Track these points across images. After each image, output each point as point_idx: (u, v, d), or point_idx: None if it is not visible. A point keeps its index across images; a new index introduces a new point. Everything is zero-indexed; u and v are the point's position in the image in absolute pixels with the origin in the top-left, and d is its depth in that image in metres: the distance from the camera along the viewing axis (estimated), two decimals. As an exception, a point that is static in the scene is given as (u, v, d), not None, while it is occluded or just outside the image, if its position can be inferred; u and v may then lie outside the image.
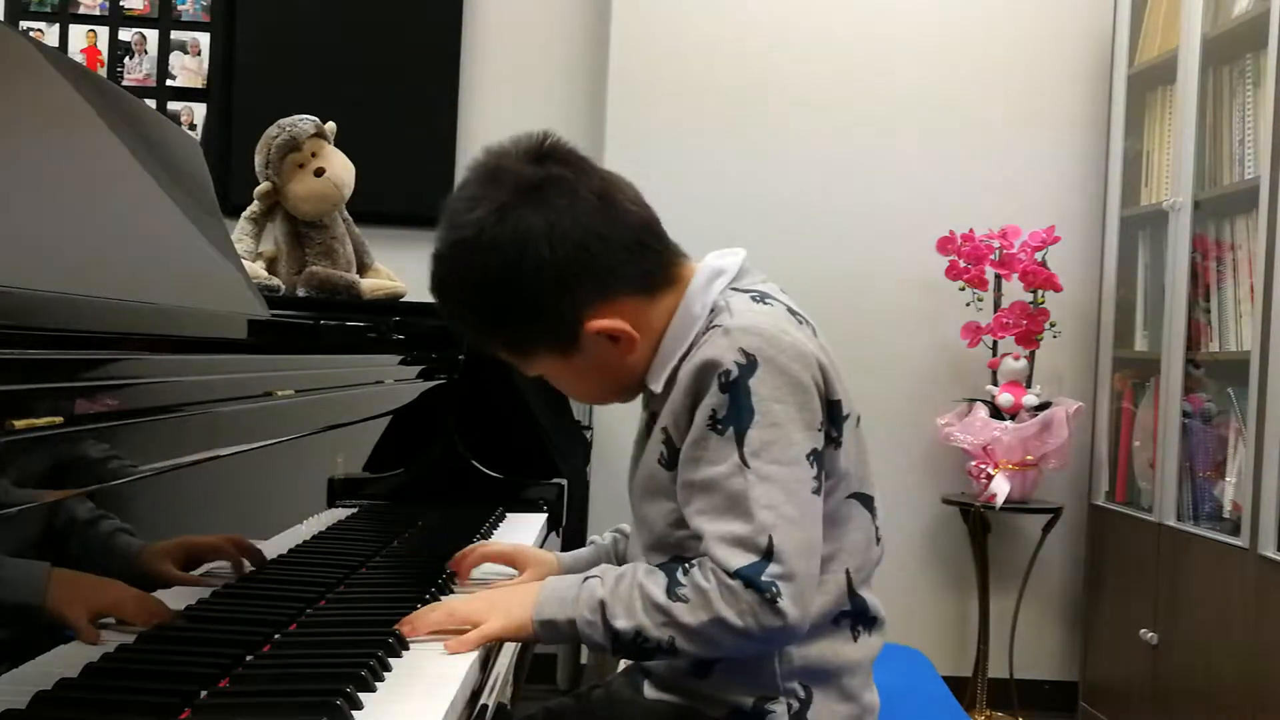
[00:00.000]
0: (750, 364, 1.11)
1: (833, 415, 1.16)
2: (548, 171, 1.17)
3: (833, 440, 1.16)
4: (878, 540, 1.23)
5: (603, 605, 1.11)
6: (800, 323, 1.18)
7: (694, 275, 1.22)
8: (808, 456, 1.12)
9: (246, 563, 1.17)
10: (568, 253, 1.15)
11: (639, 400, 1.27)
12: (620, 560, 1.37)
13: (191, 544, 1.06)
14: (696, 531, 1.12)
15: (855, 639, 1.19)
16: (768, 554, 1.08)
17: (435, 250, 1.20)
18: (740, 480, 1.09)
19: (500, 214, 1.15)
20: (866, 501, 1.21)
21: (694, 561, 1.11)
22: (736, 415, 1.10)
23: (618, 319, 1.17)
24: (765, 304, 1.18)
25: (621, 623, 1.11)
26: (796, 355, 1.12)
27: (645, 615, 1.10)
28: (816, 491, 1.12)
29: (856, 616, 1.20)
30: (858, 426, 1.20)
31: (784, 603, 1.07)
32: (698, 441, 1.12)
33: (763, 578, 1.07)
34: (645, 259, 1.20)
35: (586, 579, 1.15)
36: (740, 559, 1.08)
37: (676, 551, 1.17)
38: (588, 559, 1.39)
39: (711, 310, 1.18)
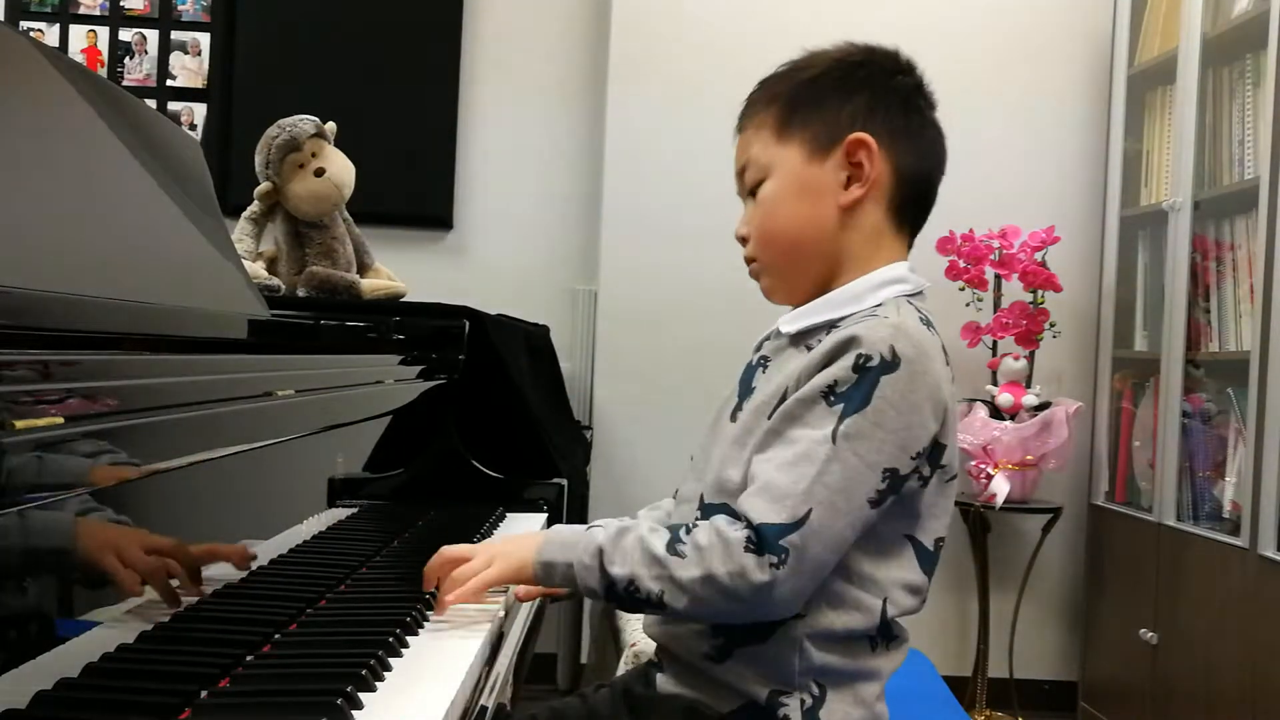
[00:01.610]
0: (893, 361, 1.12)
1: (934, 456, 1.16)
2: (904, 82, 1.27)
3: (922, 479, 1.16)
4: (924, 599, 1.21)
5: (601, 551, 1.14)
6: (947, 363, 1.19)
7: (888, 265, 1.25)
8: (885, 470, 1.12)
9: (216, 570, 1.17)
10: (891, 99, 1.24)
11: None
12: None
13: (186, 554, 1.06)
14: (751, 474, 1.13)
15: (874, 650, 1.19)
16: (798, 522, 1.09)
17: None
18: (823, 450, 1.10)
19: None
20: (921, 551, 1.19)
21: (700, 522, 1.13)
22: (853, 396, 1.11)
23: (875, 157, 1.22)
24: (930, 331, 1.20)
25: (617, 569, 1.13)
26: (933, 384, 1.14)
27: (642, 566, 1.12)
28: (873, 504, 1.12)
29: (881, 635, 1.19)
30: (948, 483, 1.20)
31: (783, 570, 1.08)
32: (804, 400, 1.14)
33: (780, 540, 1.08)
34: (919, 181, 1.27)
35: (590, 527, 1.18)
36: (770, 514, 1.09)
37: (733, 500, 1.17)
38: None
39: (878, 305, 1.20)
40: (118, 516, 0.91)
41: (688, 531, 1.13)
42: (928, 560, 1.20)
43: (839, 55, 1.27)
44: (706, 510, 1.20)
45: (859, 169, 1.22)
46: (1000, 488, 3.08)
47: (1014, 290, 3.23)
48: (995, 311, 3.24)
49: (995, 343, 3.26)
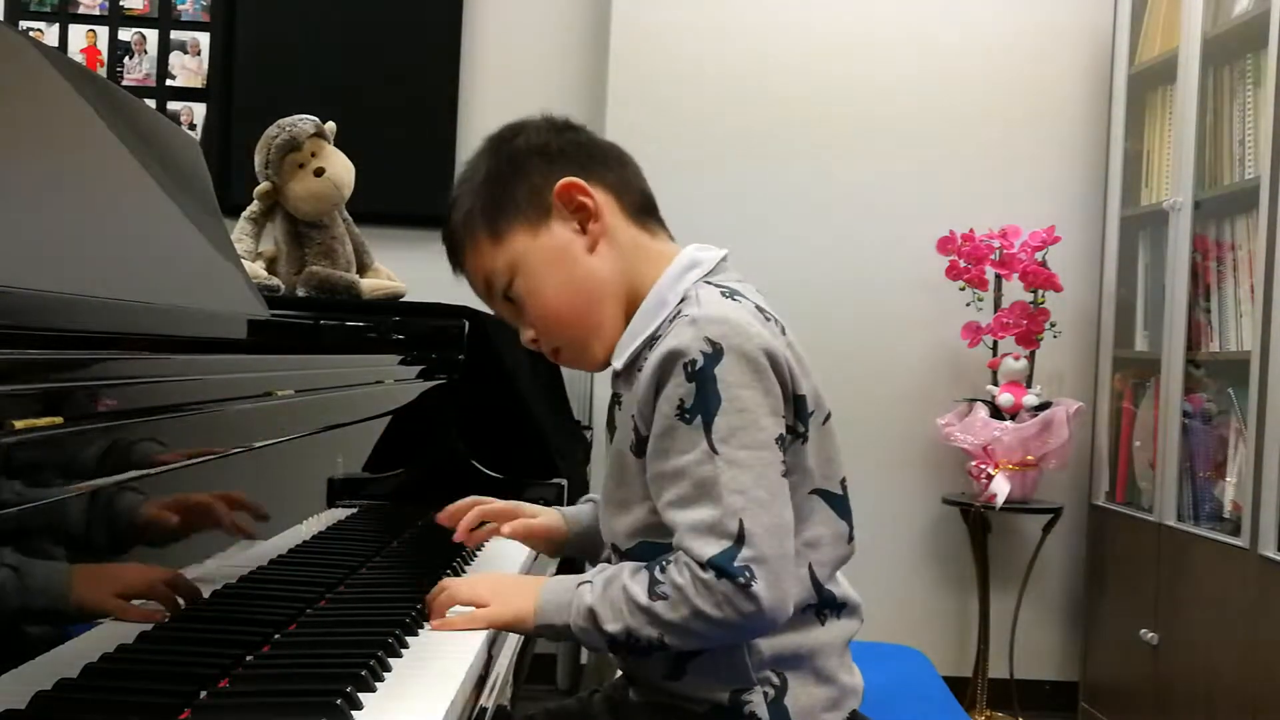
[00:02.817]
0: (716, 352, 1.12)
1: (798, 410, 1.17)
2: (564, 136, 1.27)
3: (798, 435, 1.17)
4: (850, 538, 1.23)
5: (592, 613, 1.13)
6: (767, 319, 1.19)
7: (674, 259, 1.24)
8: (776, 440, 1.13)
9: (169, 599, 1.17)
10: (554, 139, 1.25)
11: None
12: None
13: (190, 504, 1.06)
14: (669, 523, 1.13)
15: (823, 623, 1.20)
16: (739, 539, 1.09)
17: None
18: (709, 467, 1.10)
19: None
20: (832, 499, 1.21)
21: (671, 557, 1.12)
22: (704, 403, 1.11)
23: (588, 195, 1.22)
24: (734, 300, 1.18)
25: (611, 627, 1.12)
26: (761, 345, 1.13)
27: (631, 617, 1.12)
28: (786, 476, 1.13)
29: (823, 605, 1.20)
30: (825, 424, 1.21)
31: (757, 586, 1.08)
32: (666, 432, 1.13)
33: (735, 564, 1.08)
34: (632, 182, 1.27)
35: (580, 584, 1.16)
36: (712, 547, 1.09)
37: (644, 536, 1.19)
38: (590, 513, 1.41)
39: (681, 300, 1.20)
40: (118, 517, 0.91)
41: (661, 570, 1.12)
42: (840, 504, 1.22)
43: (491, 146, 1.28)
44: (628, 557, 1.20)
45: (583, 210, 1.22)
46: (1000, 488, 3.08)
47: (1014, 290, 3.23)
48: (995, 311, 3.24)
49: (995, 343, 3.25)
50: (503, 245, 1.23)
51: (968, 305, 3.24)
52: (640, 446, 1.17)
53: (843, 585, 1.23)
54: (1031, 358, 3.25)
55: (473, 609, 1.18)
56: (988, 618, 3.27)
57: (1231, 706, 2.54)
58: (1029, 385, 3.22)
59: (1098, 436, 3.29)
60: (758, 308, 1.19)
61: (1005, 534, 3.36)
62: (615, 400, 1.27)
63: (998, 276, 3.24)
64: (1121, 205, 3.26)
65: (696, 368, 1.11)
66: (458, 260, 1.28)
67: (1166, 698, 2.85)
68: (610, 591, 1.14)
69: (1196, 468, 2.85)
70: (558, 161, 1.23)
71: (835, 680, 1.20)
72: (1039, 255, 3.21)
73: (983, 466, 3.13)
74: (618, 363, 1.23)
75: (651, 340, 1.19)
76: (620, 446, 1.20)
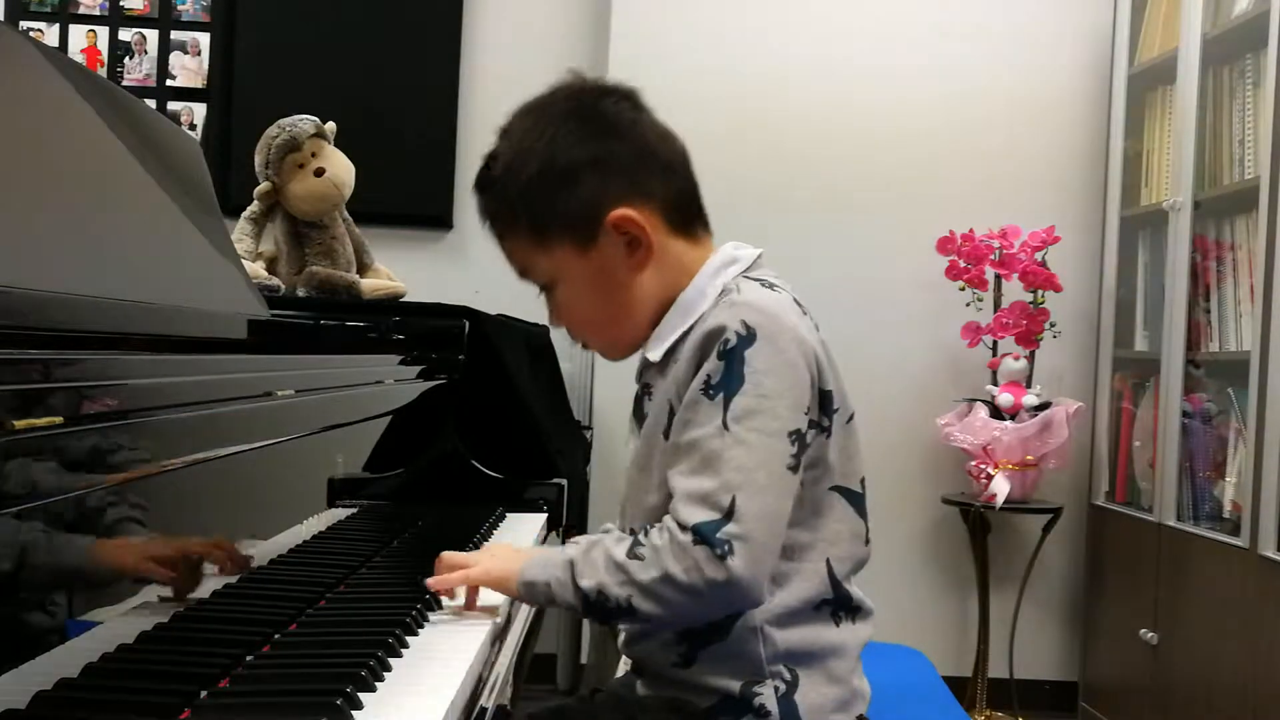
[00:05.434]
0: (749, 335, 1.14)
1: (824, 404, 1.19)
2: (603, 100, 1.25)
3: (822, 429, 1.19)
4: (866, 540, 1.25)
5: (571, 564, 1.16)
6: (803, 313, 1.22)
7: (711, 256, 1.25)
8: (789, 434, 1.14)
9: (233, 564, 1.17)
10: (610, 143, 1.22)
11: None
12: None
13: (183, 550, 1.06)
14: (671, 490, 1.15)
15: (838, 624, 1.21)
16: (728, 513, 1.10)
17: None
18: (719, 441, 1.12)
19: (553, 108, 1.24)
20: (851, 497, 1.23)
21: (657, 524, 1.14)
22: (728, 381, 1.13)
23: (641, 221, 1.21)
24: (774, 291, 1.21)
25: (586, 581, 1.15)
26: (795, 338, 1.16)
27: (606, 574, 1.14)
28: (793, 470, 1.15)
29: (839, 604, 1.21)
30: (848, 423, 1.23)
31: (734, 560, 1.09)
32: (690, 405, 1.16)
33: (717, 534, 1.10)
34: (681, 192, 1.26)
35: (568, 544, 1.20)
36: (700, 514, 1.11)
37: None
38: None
39: (721, 292, 1.21)
40: (118, 516, 0.91)
41: (644, 534, 1.14)
42: (858, 501, 1.23)
43: (536, 131, 1.23)
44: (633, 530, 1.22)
45: (633, 237, 1.22)
46: (1000, 488, 3.08)
47: (1014, 290, 3.23)
48: (995, 311, 3.24)
49: (995, 343, 3.26)
50: (547, 253, 1.24)
51: (967, 305, 3.24)
52: (671, 427, 1.19)
53: (859, 591, 1.24)
54: (1031, 358, 3.25)
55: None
56: (987, 618, 3.27)
57: (1231, 706, 2.54)
58: (1029, 385, 3.22)
59: (1097, 436, 3.29)
60: (795, 300, 1.22)
61: (1005, 534, 3.36)
62: (645, 391, 1.27)
63: (998, 276, 3.24)
64: (1121, 205, 3.26)
65: (728, 346, 1.14)
66: (494, 233, 1.27)
67: (1166, 698, 2.85)
68: (592, 552, 1.16)
69: (1196, 468, 2.85)
70: (612, 176, 1.21)
71: (846, 683, 1.21)
72: (1039, 255, 3.21)
73: (982, 466, 3.13)
74: (654, 355, 1.24)
75: (688, 332, 1.21)
76: (651, 431, 1.22)
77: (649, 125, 1.26)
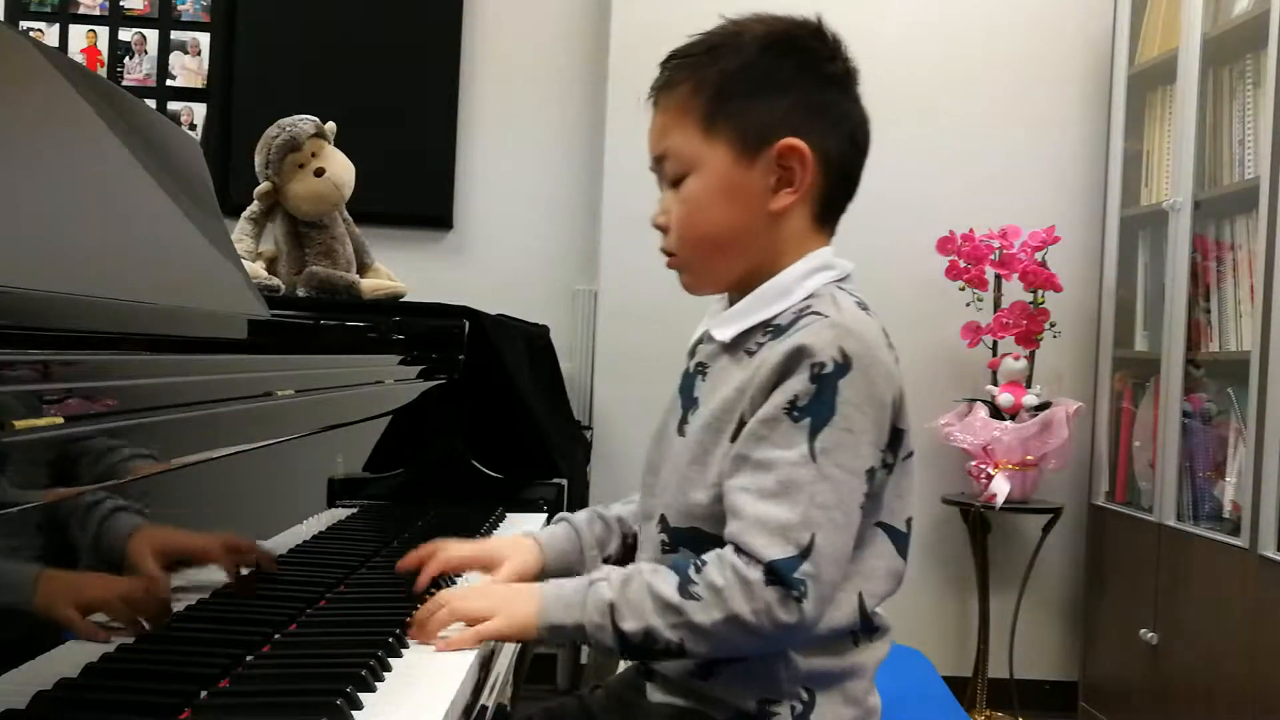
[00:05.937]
0: (846, 365, 1.10)
1: (894, 442, 1.16)
2: (840, 59, 1.26)
3: (886, 466, 1.16)
4: (901, 580, 1.21)
5: (612, 608, 1.10)
6: (890, 346, 1.18)
7: (807, 257, 1.22)
8: (866, 472, 1.11)
9: (242, 565, 1.17)
10: (829, 93, 1.23)
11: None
12: (602, 544, 1.35)
13: (185, 544, 1.06)
14: (731, 506, 1.11)
15: (856, 644, 1.19)
16: (806, 551, 1.07)
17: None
18: (803, 471, 1.08)
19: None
20: (894, 535, 1.19)
21: (708, 558, 1.10)
22: (817, 409, 1.09)
23: (805, 170, 1.19)
24: (869, 314, 1.18)
25: (630, 624, 1.09)
26: (886, 374, 1.13)
27: (656, 616, 1.08)
28: (863, 510, 1.12)
29: (862, 628, 1.19)
30: (906, 460, 1.19)
31: (807, 604, 1.06)
32: (768, 420, 1.11)
33: (795, 574, 1.06)
34: (847, 177, 1.25)
35: (593, 582, 1.13)
36: (778, 550, 1.07)
37: (701, 523, 1.16)
38: (563, 536, 1.34)
39: (810, 296, 1.19)
40: (118, 517, 0.91)
41: (697, 570, 1.09)
42: (902, 541, 1.19)
43: (765, 38, 1.22)
44: (677, 536, 1.18)
45: (789, 173, 1.19)
46: (1000, 488, 3.08)
47: (1014, 290, 3.23)
48: (995, 311, 3.24)
49: (995, 343, 3.26)
50: (703, 142, 1.19)
51: (967, 305, 3.24)
52: (738, 435, 1.14)
53: (880, 609, 1.21)
54: (1031, 358, 3.25)
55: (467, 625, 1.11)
56: (987, 617, 3.27)
57: (1231, 706, 2.54)
58: (1029, 385, 3.22)
59: (1097, 436, 3.29)
60: (884, 330, 1.19)
61: (1005, 534, 3.36)
62: (699, 370, 1.24)
63: (997, 276, 3.24)
64: (1121, 205, 3.26)
65: (823, 371, 1.10)
66: (658, 101, 1.25)
67: (1166, 697, 2.85)
68: (630, 590, 1.10)
69: (1196, 468, 2.85)
70: (811, 116, 1.20)
71: (862, 703, 1.19)
72: (1039, 255, 3.22)
73: (983, 466, 3.13)
74: (722, 335, 1.21)
75: (767, 325, 1.18)
76: (714, 425, 1.17)
77: (860, 104, 1.27)
